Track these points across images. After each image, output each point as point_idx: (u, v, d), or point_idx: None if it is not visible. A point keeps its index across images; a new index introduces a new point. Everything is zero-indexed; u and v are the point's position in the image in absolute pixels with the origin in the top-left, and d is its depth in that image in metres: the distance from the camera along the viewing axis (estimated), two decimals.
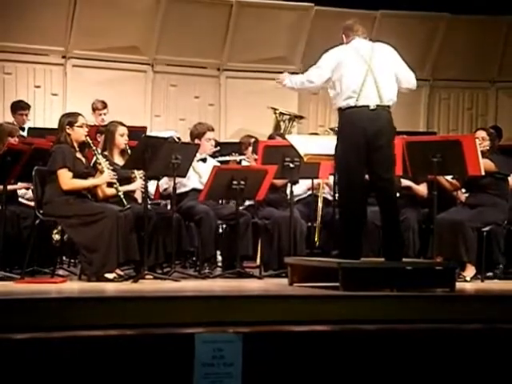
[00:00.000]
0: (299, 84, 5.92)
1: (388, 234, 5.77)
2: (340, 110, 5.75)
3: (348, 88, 5.67)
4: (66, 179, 6.32)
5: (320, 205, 7.49)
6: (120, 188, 6.56)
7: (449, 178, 7.07)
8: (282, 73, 6.14)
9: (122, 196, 6.49)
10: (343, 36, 5.95)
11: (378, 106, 5.67)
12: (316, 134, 8.84)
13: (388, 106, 5.73)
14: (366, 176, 5.83)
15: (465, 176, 6.85)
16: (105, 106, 9.25)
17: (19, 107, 9.02)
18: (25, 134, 8.46)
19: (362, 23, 5.99)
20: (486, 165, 6.64)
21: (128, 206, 6.41)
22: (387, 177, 5.77)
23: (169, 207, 7.20)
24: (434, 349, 4.88)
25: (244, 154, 7.90)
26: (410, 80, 5.88)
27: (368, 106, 5.66)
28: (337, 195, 7.28)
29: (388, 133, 5.75)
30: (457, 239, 6.69)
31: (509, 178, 7.05)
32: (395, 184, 6.00)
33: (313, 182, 7.37)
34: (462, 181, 7.05)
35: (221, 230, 7.29)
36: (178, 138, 7.77)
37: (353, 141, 5.66)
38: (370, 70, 5.70)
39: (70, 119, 6.49)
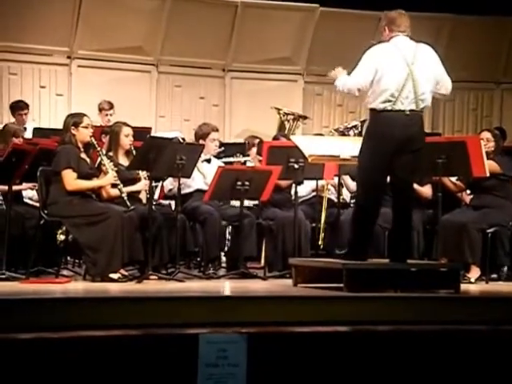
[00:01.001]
0: (347, 91, 5.72)
1: (399, 236, 5.75)
2: (374, 110, 5.64)
3: (386, 91, 5.56)
4: (71, 180, 6.33)
5: (324, 206, 7.48)
6: (124, 189, 6.57)
7: (453, 179, 7.07)
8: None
9: (125, 197, 6.49)
10: (385, 28, 5.76)
11: (412, 111, 5.60)
12: (321, 134, 8.83)
13: (421, 111, 5.67)
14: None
15: (469, 177, 6.84)
16: (111, 106, 9.26)
17: (18, 107, 9.02)
18: (28, 134, 8.46)
19: (405, 14, 5.78)
20: (490, 166, 6.63)
21: (132, 207, 6.41)
22: (408, 180, 5.76)
23: (173, 208, 7.20)
24: (438, 350, 4.88)
25: (248, 155, 7.90)
26: (448, 87, 5.77)
27: (404, 111, 5.58)
28: (341, 197, 7.31)
29: (419, 139, 5.69)
30: (461, 241, 6.68)
31: None
32: (413, 188, 5.97)
33: (317, 184, 7.37)
34: (467, 182, 7.04)
35: (228, 235, 7.28)
36: (183, 139, 7.78)
37: (382, 144, 5.60)
38: (411, 75, 5.58)
39: (75, 120, 6.50)
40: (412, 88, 5.60)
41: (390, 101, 5.58)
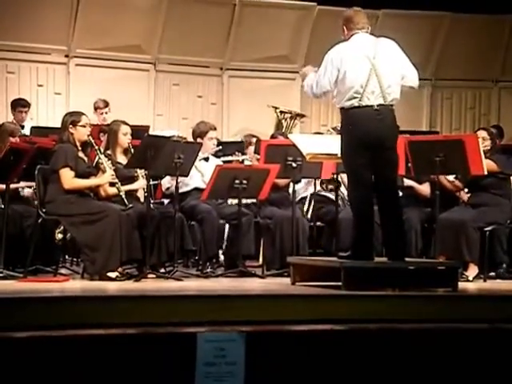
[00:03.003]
0: (312, 95, 5.80)
1: (392, 233, 5.75)
2: (343, 109, 5.67)
3: (351, 88, 5.58)
4: (68, 179, 6.33)
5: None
6: (123, 187, 6.57)
7: (451, 177, 7.07)
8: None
9: (123, 196, 6.48)
10: (344, 28, 5.77)
11: (381, 105, 5.61)
12: (320, 133, 8.82)
13: (391, 105, 5.67)
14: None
15: (467, 176, 6.84)
16: (106, 104, 9.25)
17: (19, 105, 9.03)
18: (26, 132, 8.47)
19: (361, 11, 5.77)
20: (488, 165, 6.63)
21: (130, 206, 6.41)
22: (391, 177, 5.75)
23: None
24: (436, 348, 4.88)
25: (244, 154, 7.90)
26: (413, 79, 5.76)
27: (372, 106, 5.58)
28: (340, 195, 7.32)
29: (391, 134, 5.70)
30: (459, 239, 6.69)
31: (511, 178, 7.04)
32: (398, 184, 5.97)
33: (315, 182, 7.36)
34: (465, 181, 7.04)
35: (226, 231, 7.26)
36: (181, 137, 7.78)
37: (356, 141, 5.61)
38: (374, 70, 5.59)
39: (73, 118, 6.49)
40: (377, 83, 5.59)
41: (355, 97, 5.58)
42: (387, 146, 5.66)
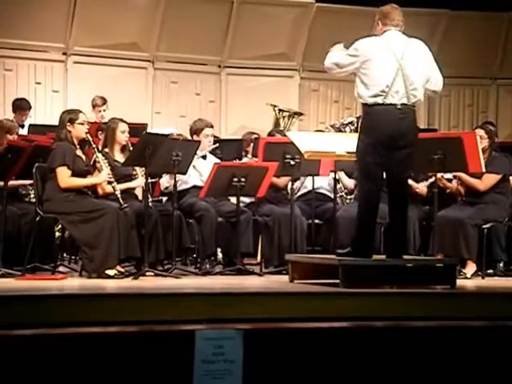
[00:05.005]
0: (329, 66, 5.80)
1: (393, 232, 5.75)
2: (366, 105, 5.66)
3: (377, 86, 5.57)
4: (65, 177, 6.32)
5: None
6: (121, 185, 6.55)
7: (449, 175, 7.06)
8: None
9: (119, 195, 6.43)
10: (378, 22, 5.78)
11: (404, 105, 5.60)
12: (321, 131, 8.82)
13: (413, 105, 5.67)
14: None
15: (466, 173, 6.84)
16: (104, 102, 9.24)
17: (21, 108, 8.96)
18: (24, 131, 8.45)
19: (398, 8, 5.81)
20: (491, 180, 6.71)
21: (125, 205, 6.35)
22: (403, 176, 5.77)
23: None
24: (434, 346, 4.88)
25: (246, 151, 7.90)
26: (438, 83, 5.76)
27: (395, 105, 5.58)
28: (339, 194, 7.31)
29: (411, 134, 5.69)
30: (457, 236, 6.69)
31: (510, 177, 7.04)
32: (408, 183, 5.97)
33: (313, 180, 7.36)
34: (466, 186, 7.02)
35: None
36: (179, 135, 7.78)
37: (375, 137, 5.61)
38: (401, 69, 5.58)
39: (70, 116, 6.49)
40: (402, 83, 5.59)
41: (380, 95, 5.59)
42: (403, 144, 5.63)
